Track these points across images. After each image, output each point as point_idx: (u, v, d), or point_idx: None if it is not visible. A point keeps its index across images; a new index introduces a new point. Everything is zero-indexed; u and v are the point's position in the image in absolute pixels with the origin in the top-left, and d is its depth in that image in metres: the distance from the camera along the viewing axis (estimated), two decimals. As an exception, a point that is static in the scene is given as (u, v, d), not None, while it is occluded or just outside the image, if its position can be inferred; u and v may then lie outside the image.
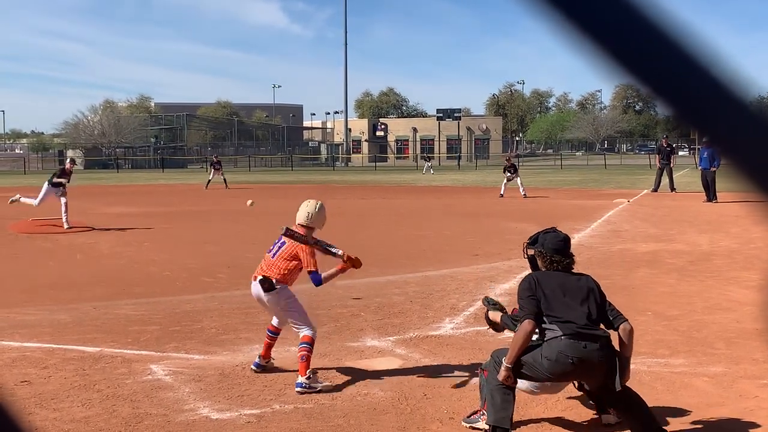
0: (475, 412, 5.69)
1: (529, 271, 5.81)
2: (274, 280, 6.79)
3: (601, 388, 5.27)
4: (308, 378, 6.43)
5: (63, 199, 19.38)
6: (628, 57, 0.75)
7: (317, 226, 7.21)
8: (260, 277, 6.86)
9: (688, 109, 0.76)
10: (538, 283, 5.37)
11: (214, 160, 41.66)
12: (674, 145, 31.08)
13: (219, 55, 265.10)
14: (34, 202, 19.89)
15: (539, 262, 5.63)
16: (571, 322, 5.12)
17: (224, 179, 39.59)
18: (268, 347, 7.15)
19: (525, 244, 5.80)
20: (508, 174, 30.36)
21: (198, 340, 8.15)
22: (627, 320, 5.32)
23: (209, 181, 39.25)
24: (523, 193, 29.47)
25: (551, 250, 5.55)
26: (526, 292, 5.34)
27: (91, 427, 5.61)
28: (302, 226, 7.16)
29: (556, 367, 5.09)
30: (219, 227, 20.50)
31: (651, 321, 8.90)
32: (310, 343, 6.64)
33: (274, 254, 7.02)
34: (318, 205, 7.27)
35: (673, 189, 30.29)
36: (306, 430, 5.55)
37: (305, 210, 7.30)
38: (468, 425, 5.68)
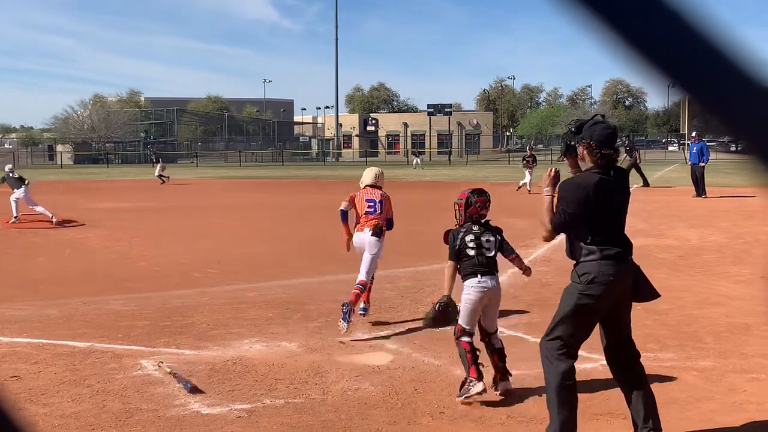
0: (464, 384, 6.04)
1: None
2: (382, 228, 8.75)
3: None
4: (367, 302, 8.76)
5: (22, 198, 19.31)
6: (648, 45, 0.75)
7: (382, 184, 9.17)
8: (374, 228, 8.69)
9: (712, 99, 0.76)
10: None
11: (153, 154, 41.81)
12: (634, 142, 31.09)
13: (209, 49, 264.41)
14: (40, 209, 19.68)
15: (588, 157, 5.05)
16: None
17: (160, 175, 39.50)
18: (365, 295, 8.70)
19: (567, 137, 5.33)
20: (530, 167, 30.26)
21: (188, 336, 8.14)
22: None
23: (161, 176, 39.16)
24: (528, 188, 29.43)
25: (600, 143, 4.98)
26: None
27: (81, 422, 5.60)
28: (371, 186, 9.08)
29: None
30: (209, 222, 20.47)
31: (641, 315, 8.91)
32: (364, 285, 8.49)
33: (379, 212, 8.82)
34: (380, 170, 9.42)
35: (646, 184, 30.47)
36: (297, 425, 5.55)
37: (372, 174, 9.27)
38: (462, 398, 5.98)
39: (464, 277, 6.29)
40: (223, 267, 12.76)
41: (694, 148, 26.88)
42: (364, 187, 9.09)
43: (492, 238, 6.41)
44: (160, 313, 9.17)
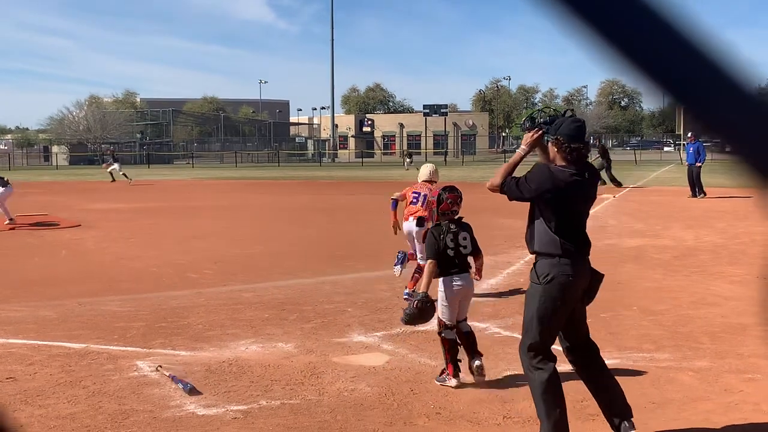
0: (443, 372, 6.55)
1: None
2: (424, 219, 9.54)
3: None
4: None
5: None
6: (634, 49, 0.75)
7: (436, 180, 10.12)
8: (418, 217, 9.73)
9: (695, 102, 0.76)
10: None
11: (110, 152, 42.17)
12: (605, 144, 30.82)
13: (205, 50, 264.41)
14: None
15: (555, 154, 5.07)
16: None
17: (111, 174, 39.61)
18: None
19: (530, 123, 5.32)
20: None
21: (184, 336, 8.13)
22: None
23: (123, 174, 39.19)
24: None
25: (569, 137, 4.98)
26: None
27: (77, 423, 5.59)
28: (426, 181, 10.10)
29: None
30: (205, 223, 20.45)
31: (637, 316, 8.94)
32: (422, 268, 8.03)
33: (421, 204, 9.79)
34: (434, 167, 10.41)
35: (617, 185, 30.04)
36: (293, 426, 5.55)
37: (427, 170, 10.29)
38: (438, 384, 6.48)
39: (441, 275, 6.53)
40: (219, 268, 12.75)
41: (691, 149, 26.90)
42: (420, 182, 10.21)
43: (468, 236, 6.70)
44: (155, 314, 9.15)
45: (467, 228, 6.79)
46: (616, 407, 5.10)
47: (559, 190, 4.94)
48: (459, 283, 6.55)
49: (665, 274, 11.74)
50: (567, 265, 4.97)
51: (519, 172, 5.22)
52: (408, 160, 64.01)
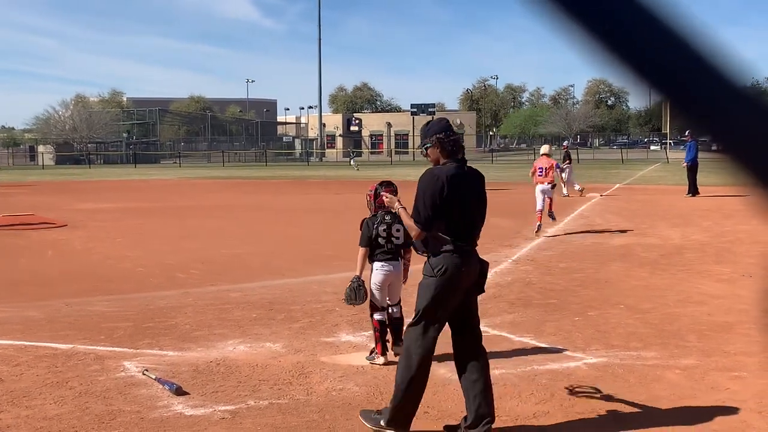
0: (372, 351, 7.16)
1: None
2: (553, 183, 13.28)
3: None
4: None
5: None
6: (624, 45, 0.75)
7: (551, 154, 15.94)
8: (550, 183, 13.93)
9: (686, 99, 0.76)
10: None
11: None
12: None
13: (192, 49, 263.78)
14: None
15: (440, 153, 5.49)
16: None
17: None
18: (539, 218, 13.22)
19: (423, 144, 5.68)
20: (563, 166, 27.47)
21: (172, 337, 8.10)
22: None
23: None
24: (565, 192, 26.99)
25: (441, 132, 5.51)
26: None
27: (64, 424, 5.56)
28: (546, 155, 17.37)
29: None
30: (193, 223, 20.40)
31: (624, 314, 8.97)
32: (541, 211, 12.54)
33: (544, 175, 16.58)
34: (549, 146, 17.64)
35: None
36: (281, 426, 5.54)
37: (545, 148, 17.85)
38: (369, 362, 7.06)
39: (372, 261, 7.18)
40: (206, 268, 12.72)
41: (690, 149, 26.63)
42: (541, 156, 17.52)
43: (402, 229, 7.00)
44: (143, 315, 9.12)
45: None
46: (483, 408, 5.23)
47: (446, 186, 5.27)
48: (387, 268, 7.12)
49: (652, 272, 11.79)
50: (458, 258, 5.24)
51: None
52: (353, 158, 63.49)
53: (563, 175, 27.72)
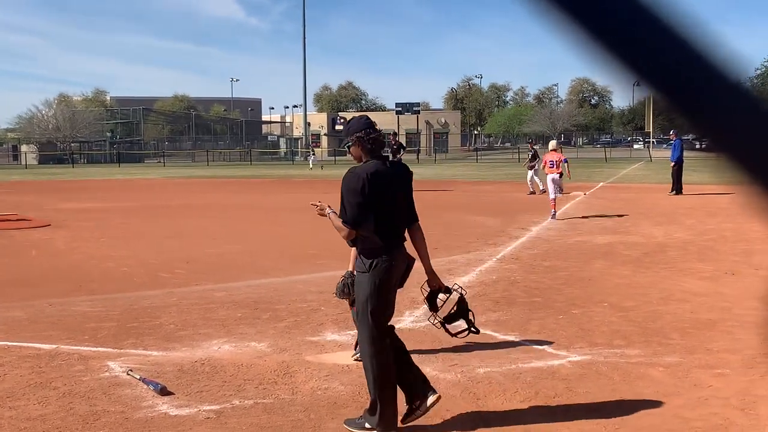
0: (357, 344, 6.74)
1: None
2: (561, 173, 16.29)
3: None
4: None
5: None
6: (617, 42, 0.75)
7: (560, 150, 19.65)
8: (559, 173, 18.22)
9: (680, 95, 0.76)
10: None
11: None
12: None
13: (176, 48, 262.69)
14: None
15: (361, 151, 5.61)
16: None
17: None
18: (553, 206, 15.61)
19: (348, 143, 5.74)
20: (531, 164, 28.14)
21: (156, 336, 8.08)
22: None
23: None
24: (541, 188, 26.79)
25: (361, 129, 5.61)
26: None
27: (48, 425, 5.54)
28: (554, 150, 19.87)
29: None
30: (177, 222, 20.33)
31: (607, 312, 9.01)
32: (554, 199, 16.39)
33: (556, 167, 18.99)
34: (557, 141, 21.20)
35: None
36: (266, 425, 5.54)
37: (553, 143, 20.54)
38: (356, 357, 6.89)
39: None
40: (191, 267, 12.68)
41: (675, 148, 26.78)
42: (550, 151, 20.14)
43: None
44: (127, 314, 9.09)
45: None
46: (418, 384, 5.51)
47: (367, 184, 5.37)
48: None
49: (635, 270, 11.85)
50: (387, 253, 5.40)
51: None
52: (311, 157, 63.11)
53: (531, 173, 28.43)
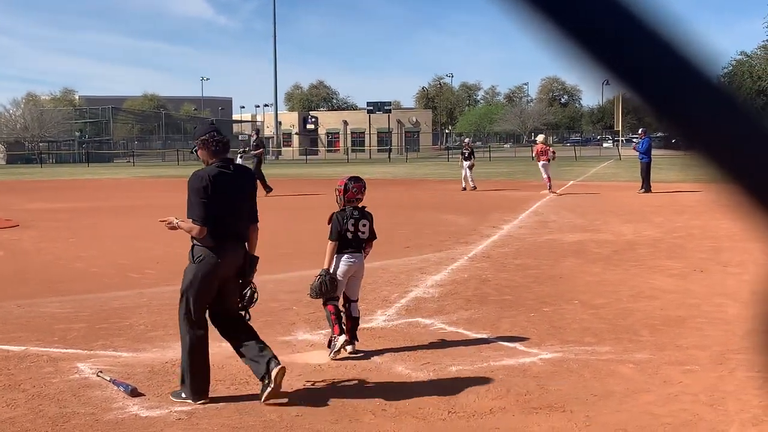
0: (330, 341, 7.15)
1: None
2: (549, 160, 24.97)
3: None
4: None
5: None
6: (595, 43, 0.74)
7: (548, 144, 26.73)
8: (548, 159, 26.09)
9: (653, 93, 0.75)
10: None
11: None
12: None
13: (145, 46, 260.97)
14: None
15: (207, 154, 6.05)
16: None
17: None
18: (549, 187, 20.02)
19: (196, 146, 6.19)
20: (467, 162, 29.42)
21: (126, 338, 8.02)
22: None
23: None
24: (472, 185, 28.98)
25: (206, 133, 6.07)
26: None
27: (17, 427, 5.48)
28: (542, 143, 26.81)
29: None
30: (147, 223, 20.14)
31: (578, 309, 9.07)
32: (550, 183, 21.71)
33: (541, 154, 26.32)
34: (545, 136, 27.98)
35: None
36: (238, 426, 5.52)
37: (541, 137, 26.84)
38: (332, 355, 7.05)
39: (337, 253, 7.32)
40: (161, 267, 12.58)
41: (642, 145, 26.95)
42: (539, 143, 26.17)
43: (367, 223, 7.42)
44: (97, 315, 9.01)
45: (369, 216, 7.52)
46: (263, 355, 5.96)
47: (210, 185, 5.82)
48: (351, 260, 7.29)
49: (605, 268, 11.94)
50: (217, 250, 5.88)
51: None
52: (240, 158, 62.84)
53: (464, 171, 29.51)
